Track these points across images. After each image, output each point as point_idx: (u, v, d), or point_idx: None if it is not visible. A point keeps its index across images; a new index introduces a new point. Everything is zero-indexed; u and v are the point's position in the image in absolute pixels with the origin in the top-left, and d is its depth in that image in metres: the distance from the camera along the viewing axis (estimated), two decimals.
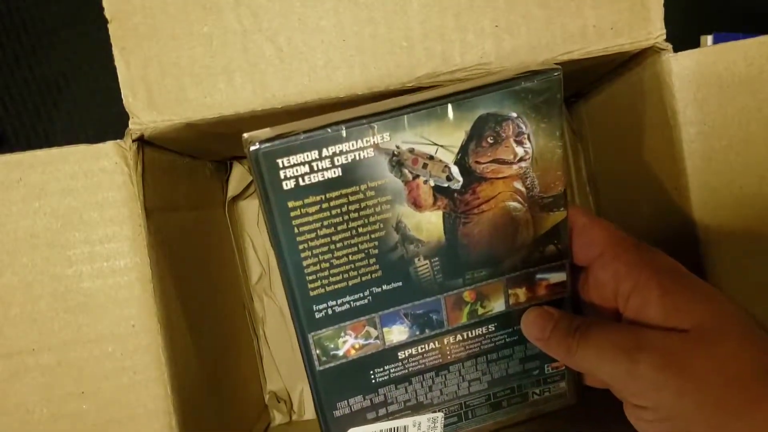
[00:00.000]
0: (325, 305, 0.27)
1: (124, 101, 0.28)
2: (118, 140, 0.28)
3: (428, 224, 0.27)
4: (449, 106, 0.25)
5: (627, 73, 0.32)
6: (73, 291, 0.28)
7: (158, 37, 0.28)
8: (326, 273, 0.27)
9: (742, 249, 0.28)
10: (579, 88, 0.40)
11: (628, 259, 0.26)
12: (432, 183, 0.26)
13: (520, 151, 0.27)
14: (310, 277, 0.27)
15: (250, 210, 0.45)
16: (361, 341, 0.29)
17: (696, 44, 0.45)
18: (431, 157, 0.26)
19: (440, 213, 0.27)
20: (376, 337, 0.29)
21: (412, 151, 0.26)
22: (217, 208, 0.43)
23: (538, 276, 0.29)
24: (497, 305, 0.29)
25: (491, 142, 0.26)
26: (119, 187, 0.28)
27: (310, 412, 0.45)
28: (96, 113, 0.51)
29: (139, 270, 0.28)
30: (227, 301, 0.42)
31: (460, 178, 0.27)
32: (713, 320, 0.23)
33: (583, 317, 0.27)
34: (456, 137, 0.26)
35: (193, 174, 0.38)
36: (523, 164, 0.27)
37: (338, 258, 0.27)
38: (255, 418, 0.43)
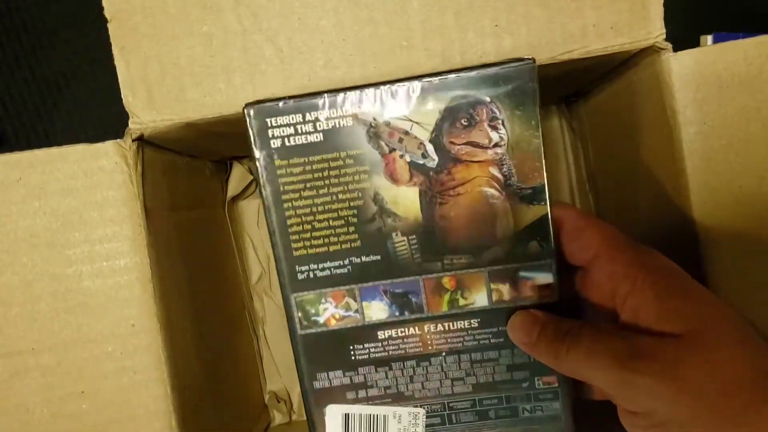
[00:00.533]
0: (307, 267, 0.29)
1: (123, 101, 0.28)
2: (118, 140, 0.28)
3: (405, 199, 0.28)
4: (424, 83, 0.27)
5: (627, 72, 0.32)
6: (73, 291, 0.28)
7: (158, 37, 0.28)
8: (309, 235, 0.28)
9: (741, 249, 0.28)
10: (579, 88, 0.40)
11: (624, 260, 0.26)
12: (408, 158, 0.28)
13: (494, 136, 0.27)
14: (294, 237, 0.28)
15: (250, 210, 0.45)
16: (341, 312, 0.29)
17: (696, 44, 0.45)
18: (407, 133, 0.27)
19: (416, 189, 0.28)
20: (356, 311, 0.29)
21: (388, 124, 0.27)
22: (217, 208, 0.43)
23: (522, 273, 0.29)
24: (479, 299, 0.29)
25: (465, 123, 0.27)
26: (119, 186, 0.28)
27: None
28: (96, 113, 0.51)
29: (138, 270, 0.28)
30: (227, 301, 0.42)
31: (435, 157, 0.28)
32: (708, 324, 0.23)
33: (572, 321, 0.27)
34: (430, 116, 0.27)
35: (193, 174, 0.38)
36: (498, 150, 0.28)
37: (320, 221, 0.28)
38: (255, 418, 0.43)
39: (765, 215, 0.28)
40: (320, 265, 0.29)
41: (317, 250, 0.29)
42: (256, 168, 0.28)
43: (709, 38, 0.45)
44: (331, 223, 0.28)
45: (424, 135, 0.28)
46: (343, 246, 0.29)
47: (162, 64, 0.28)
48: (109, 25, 0.28)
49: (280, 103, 0.27)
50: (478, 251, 0.29)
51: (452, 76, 0.27)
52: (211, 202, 0.42)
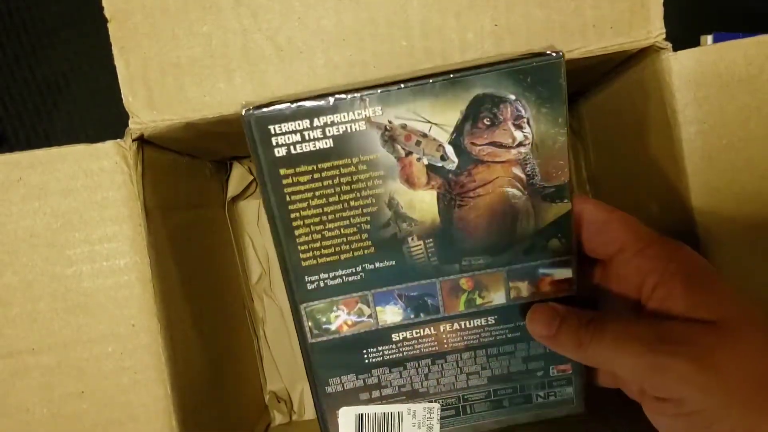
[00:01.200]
0: (317, 277, 0.28)
1: (124, 101, 0.28)
2: (118, 140, 0.28)
3: (422, 203, 0.27)
4: (444, 83, 0.25)
5: (627, 72, 0.32)
6: (73, 291, 0.28)
7: (158, 37, 0.28)
8: (318, 245, 0.27)
9: (743, 248, 0.28)
10: (579, 88, 0.40)
11: (652, 252, 0.26)
12: (425, 161, 0.26)
13: (519, 135, 0.26)
14: (302, 248, 0.27)
15: (250, 210, 0.45)
16: (354, 318, 0.29)
17: (696, 44, 0.45)
18: (425, 135, 0.26)
19: (434, 193, 0.27)
20: (369, 316, 0.29)
21: (404, 127, 0.26)
22: (217, 208, 0.43)
23: (542, 270, 0.28)
24: (497, 297, 0.29)
25: (488, 123, 0.26)
26: (119, 186, 0.28)
27: (310, 412, 0.45)
28: (96, 113, 0.51)
29: (139, 269, 0.28)
30: (227, 301, 0.42)
31: (455, 159, 0.26)
32: (736, 316, 0.23)
33: (593, 311, 0.26)
34: (451, 116, 0.26)
35: (193, 174, 0.38)
36: (522, 149, 0.26)
37: (330, 230, 0.27)
38: (255, 418, 0.43)
39: (766, 214, 0.28)
40: (331, 274, 0.28)
41: (327, 259, 0.27)
42: (259, 180, 0.26)
43: (709, 38, 0.45)
44: (342, 231, 0.27)
45: (443, 137, 0.26)
46: (356, 253, 0.27)
47: (162, 64, 0.28)
48: (108, 25, 0.28)
49: (284, 108, 0.25)
50: (498, 251, 0.28)
51: (474, 73, 0.25)
52: (211, 202, 0.42)
